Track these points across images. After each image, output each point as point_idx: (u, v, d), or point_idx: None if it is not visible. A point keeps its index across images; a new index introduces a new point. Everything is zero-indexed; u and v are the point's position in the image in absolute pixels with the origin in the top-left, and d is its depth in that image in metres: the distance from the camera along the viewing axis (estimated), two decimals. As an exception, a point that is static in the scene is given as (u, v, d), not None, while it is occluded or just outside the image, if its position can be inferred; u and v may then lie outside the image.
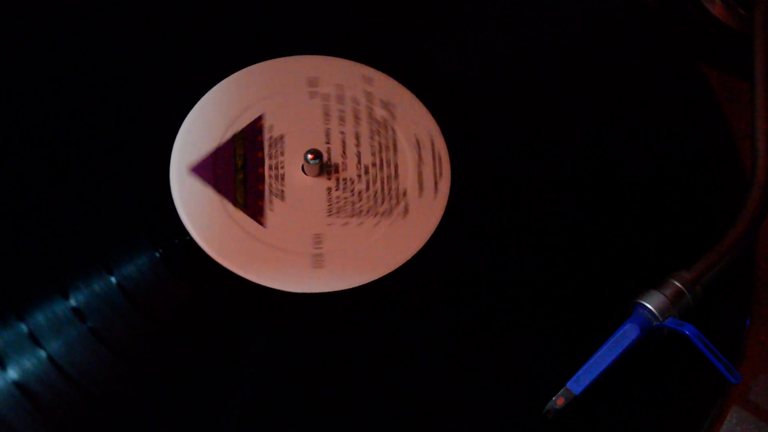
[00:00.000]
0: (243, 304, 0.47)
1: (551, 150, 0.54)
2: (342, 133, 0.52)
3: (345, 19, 0.57)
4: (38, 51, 0.53)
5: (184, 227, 0.49)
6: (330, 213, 0.50)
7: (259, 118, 0.52)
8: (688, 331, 0.45)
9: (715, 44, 0.60)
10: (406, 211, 0.50)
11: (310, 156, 0.50)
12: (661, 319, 0.46)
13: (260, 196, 0.50)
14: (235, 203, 0.50)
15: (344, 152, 0.52)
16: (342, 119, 0.52)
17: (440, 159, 0.52)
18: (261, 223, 0.50)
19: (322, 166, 0.51)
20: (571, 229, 0.51)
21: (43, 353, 0.44)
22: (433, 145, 0.52)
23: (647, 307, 0.46)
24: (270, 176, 0.51)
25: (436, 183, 0.51)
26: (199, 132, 0.52)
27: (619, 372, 0.46)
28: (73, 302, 0.46)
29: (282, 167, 0.51)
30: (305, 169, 0.51)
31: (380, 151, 0.52)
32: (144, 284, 0.47)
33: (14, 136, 0.50)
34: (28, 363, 0.44)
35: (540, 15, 0.59)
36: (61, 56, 0.53)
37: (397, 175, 0.51)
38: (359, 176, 0.51)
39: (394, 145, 0.52)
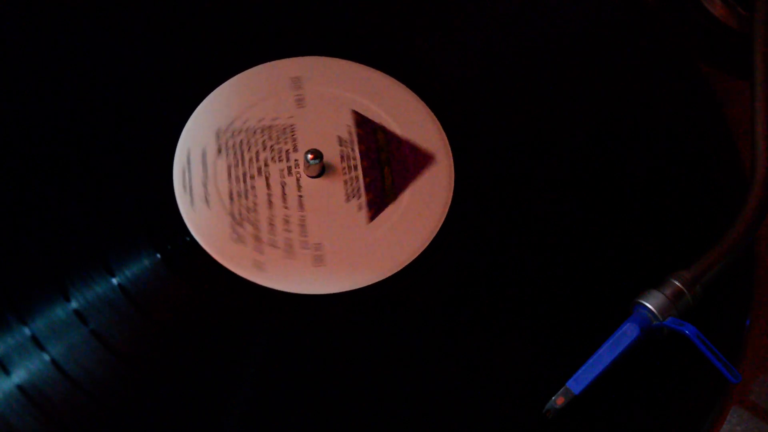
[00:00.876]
0: (243, 305, 0.48)
1: (551, 150, 0.54)
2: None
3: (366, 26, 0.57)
4: (39, 51, 0.53)
5: (185, 224, 0.49)
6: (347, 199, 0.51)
7: (292, 128, 0.53)
8: (688, 330, 0.45)
9: (715, 44, 0.60)
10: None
11: (310, 156, 0.50)
12: (661, 318, 0.46)
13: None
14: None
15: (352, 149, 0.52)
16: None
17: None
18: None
19: (324, 166, 0.51)
20: (571, 229, 0.51)
21: (45, 356, 0.44)
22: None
23: (647, 306, 0.46)
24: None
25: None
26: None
27: (619, 372, 0.46)
28: (74, 304, 0.46)
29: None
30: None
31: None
32: (145, 286, 0.47)
33: (14, 136, 0.50)
34: (30, 366, 0.44)
35: (540, 15, 0.59)
36: (61, 56, 0.53)
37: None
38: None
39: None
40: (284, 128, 0.53)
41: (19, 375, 0.44)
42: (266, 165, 0.51)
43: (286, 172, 0.51)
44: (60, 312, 0.45)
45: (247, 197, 0.50)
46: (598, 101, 0.56)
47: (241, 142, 0.52)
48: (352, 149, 0.52)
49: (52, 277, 0.46)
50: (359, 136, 0.53)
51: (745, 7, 0.58)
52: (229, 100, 0.53)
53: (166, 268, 0.47)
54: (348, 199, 0.51)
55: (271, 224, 0.50)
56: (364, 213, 0.51)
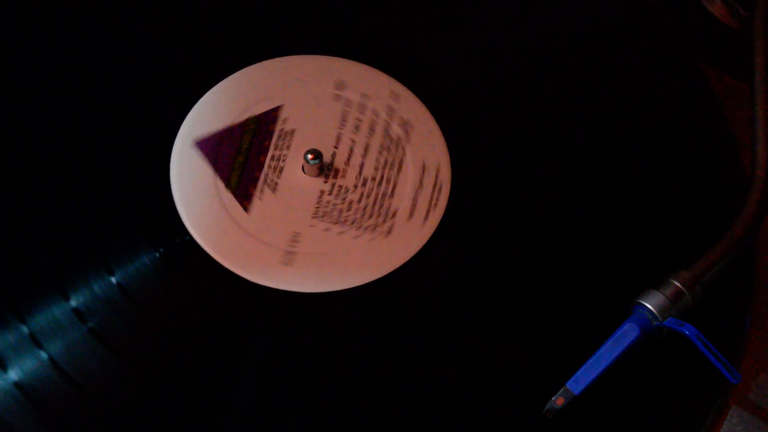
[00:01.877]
0: (243, 304, 0.47)
1: (551, 150, 0.54)
2: (352, 141, 0.52)
3: (384, 30, 0.56)
4: (38, 51, 0.53)
5: (173, 200, 0.49)
6: (315, 215, 0.50)
7: (277, 109, 0.53)
8: (687, 331, 0.45)
9: (715, 44, 0.60)
10: (389, 231, 0.50)
11: (309, 156, 0.50)
12: (660, 318, 0.46)
13: (254, 182, 0.51)
14: (227, 184, 0.50)
15: (348, 160, 0.52)
16: (357, 128, 0.52)
17: (440, 189, 0.51)
18: (245, 209, 0.50)
19: (322, 167, 0.51)
20: (571, 229, 0.51)
21: (43, 354, 0.44)
22: (437, 173, 0.52)
23: (647, 306, 0.46)
24: (269, 166, 0.51)
25: (428, 211, 0.50)
26: (216, 108, 0.52)
27: (619, 372, 0.46)
28: (73, 303, 0.46)
29: (283, 161, 0.51)
30: (305, 168, 0.51)
31: (384, 167, 0.52)
32: (144, 284, 0.47)
33: (14, 136, 0.50)
34: (29, 364, 0.44)
35: (540, 15, 0.59)
36: (60, 56, 0.53)
37: (392, 195, 0.51)
38: (355, 186, 0.51)
39: (400, 165, 0.52)
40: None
41: (17, 373, 0.44)
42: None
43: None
44: (59, 310, 0.45)
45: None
46: (598, 101, 0.56)
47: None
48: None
49: (51, 276, 0.46)
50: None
51: (745, 7, 0.58)
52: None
53: (165, 267, 0.47)
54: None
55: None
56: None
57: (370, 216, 0.50)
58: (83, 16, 0.55)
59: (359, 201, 0.50)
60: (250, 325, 0.47)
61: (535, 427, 0.45)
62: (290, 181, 0.51)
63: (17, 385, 0.44)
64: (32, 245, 0.47)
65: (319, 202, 0.51)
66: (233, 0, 0.57)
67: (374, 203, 0.50)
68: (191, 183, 0.50)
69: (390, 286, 0.49)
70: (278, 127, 0.52)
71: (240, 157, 0.51)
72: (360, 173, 0.52)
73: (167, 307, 0.47)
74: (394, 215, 0.50)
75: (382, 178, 0.51)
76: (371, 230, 0.50)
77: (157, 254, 0.48)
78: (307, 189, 0.51)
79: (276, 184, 0.51)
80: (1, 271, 0.46)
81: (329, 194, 0.51)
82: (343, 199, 0.51)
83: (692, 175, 0.54)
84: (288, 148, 0.52)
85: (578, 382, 0.45)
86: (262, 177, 0.51)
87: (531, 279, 0.50)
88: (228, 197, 0.50)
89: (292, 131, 0.52)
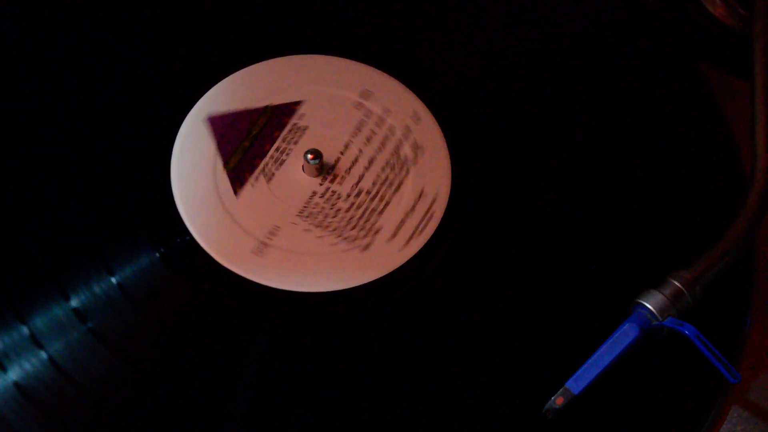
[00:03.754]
0: (243, 304, 0.48)
1: (551, 150, 0.54)
2: (360, 151, 0.52)
3: (421, 47, 0.56)
4: (38, 51, 0.53)
5: (184, 223, 0.49)
6: (300, 214, 0.50)
7: (297, 103, 0.53)
8: (687, 330, 0.45)
9: (715, 44, 0.60)
10: (367, 247, 0.50)
11: (309, 156, 0.50)
12: (660, 318, 0.46)
13: (251, 169, 0.51)
14: (225, 165, 0.51)
15: (350, 169, 0.52)
16: (368, 140, 0.52)
17: (430, 218, 0.51)
18: (236, 192, 0.50)
19: (321, 168, 0.51)
20: (571, 229, 0.51)
21: (44, 354, 0.44)
22: (433, 203, 0.51)
23: (647, 306, 0.46)
24: (272, 157, 0.51)
25: (410, 237, 0.50)
26: (238, 91, 0.53)
27: (619, 372, 0.46)
28: (73, 303, 0.46)
29: (287, 154, 0.51)
30: (304, 167, 0.51)
31: (382, 184, 0.52)
32: (144, 284, 0.47)
33: (14, 136, 0.50)
34: (29, 364, 0.44)
35: (540, 15, 0.59)
36: (60, 55, 0.53)
37: (382, 212, 0.51)
38: (348, 195, 0.51)
39: (399, 186, 0.52)
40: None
41: (17, 373, 0.44)
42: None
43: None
44: (59, 310, 0.45)
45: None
46: (598, 101, 0.56)
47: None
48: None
49: (52, 276, 0.46)
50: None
51: (745, 7, 0.58)
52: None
53: (165, 267, 0.47)
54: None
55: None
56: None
57: (353, 228, 0.50)
58: (82, 17, 0.55)
59: (347, 210, 0.50)
60: (250, 325, 0.47)
61: (535, 427, 0.45)
62: (287, 176, 0.51)
63: (17, 385, 0.44)
64: (32, 245, 0.47)
65: (308, 202, 0.51)
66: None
67: (361, 216, 0.50)
68: (192, 157, 0.51)
69: (388, 285, 0.49)
70: (293, 121, 0.52)
71: (246, 141, 0.51)
72: (357, 184, 0.52)
73: (167, 307, 0.47)
74: (376, 233, 0.50)
75: (377, 193, 0.51)
76: (350, 242, 0.50)
77: (157, 254, 0.48)
78: (301, 187, 0.51)
79: (272, 175, 0.51)
80: (2, 271, 0.46)
81: (320, 197, 0.51)
82: (333, 204, 0.51)
83: (692, 175, 0.54)
84: (295, 143, 0.52)
85: (578, 382, 0.45)
86: (261, 165, 0.51)
87: (531, 279, 0.50)
88: (222, 178, 0.50)
89: (305, 128, 0.52)
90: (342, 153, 0.52)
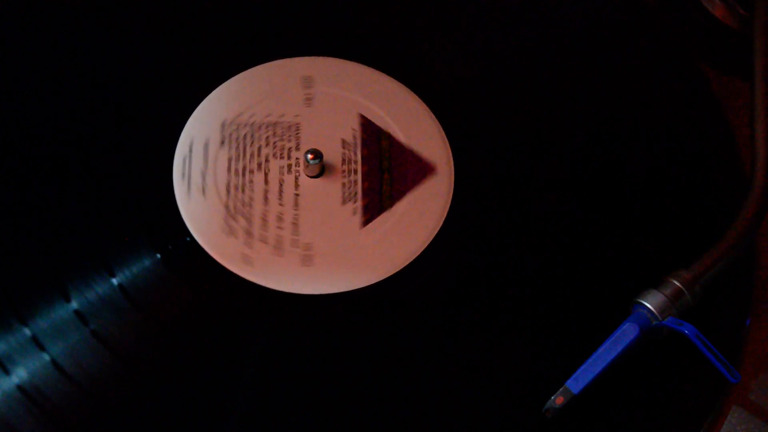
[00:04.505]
0: (244, 305, 0.48)
1: (551, 150, 0.54)
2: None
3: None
4: (39, 51, 0.53)
5: (184, 223, 0.49)
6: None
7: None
8: (687, 330, 0.45)
9: (715, 44, 0.60)
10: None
11: (310, 156, 0.51)
12: (660, 318, 0.46)
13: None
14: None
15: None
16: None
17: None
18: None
19: (322, 168, 0.51)
20: (571, 228, 0.51)
21: (46, 356, 0.44)
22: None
23: (647, 306, 0.46)
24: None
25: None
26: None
27: (619, 372, 0.46)
28: (75, 305, 0.46)
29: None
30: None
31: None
32: (145, 285, 0.47)
33: (15, 136, 0.50)
34: (31, 366, 0.44)
35: (540, 15, 0.59)
36: (61, 55, 0.53)
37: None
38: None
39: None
40: (289, 126, 0.53)
41: (19, 375, 0.44)
42: (267, 161, 0.52)
43: (285, 169, 0.51)
44: (60, 312, 0.45)
45: (243, 191, 0.51)
46: (598, 101, 0.56)
47: (245, 135, 0.52)
48: (355, 152, 0.52)
49: (53, 277, 0.46)
50: (363, 140, 0.53)
51: (745, 7, 0.58)
52: (238, 94, 0.53)
53: (166, 268, 0.47)
54: (344, 202, 0.51)
55: (264, 220, 0.50)
56: (358, 217, 0.51)
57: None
58: (83, 17, 0.55)
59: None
60: (250, 326, 0.47)
61: (535, 427, 0.45)
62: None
63: (20, 387, 0.44)
64: (34, 247, 0.47)
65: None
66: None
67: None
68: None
69: (380, 291, 0.49)
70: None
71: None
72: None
73: (168, 308, 0.47)
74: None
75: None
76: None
77: (158, 255, 0.48)
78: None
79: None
80: (3, 273, 0.46)
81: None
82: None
83: (692, 175, 0.54)
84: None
85: (578, 382, 0.45)
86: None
87: (531, 278, 0.50)
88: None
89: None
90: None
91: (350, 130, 0.53)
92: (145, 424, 0.44)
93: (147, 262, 0.47)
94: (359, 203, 0.51)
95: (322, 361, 0.46)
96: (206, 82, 0.54)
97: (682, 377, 0.48)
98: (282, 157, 0.52)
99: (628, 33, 0.59)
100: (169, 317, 0.46)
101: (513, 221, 0.51)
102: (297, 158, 0.52)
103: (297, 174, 0.51)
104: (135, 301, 0.46)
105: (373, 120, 0.53)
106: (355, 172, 0.52)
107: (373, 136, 0.53)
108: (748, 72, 0.53)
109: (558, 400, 0.45)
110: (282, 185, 0.51)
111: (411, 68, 0.55)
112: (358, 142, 0.53)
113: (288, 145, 0.52)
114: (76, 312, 0.46)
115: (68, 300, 0.46)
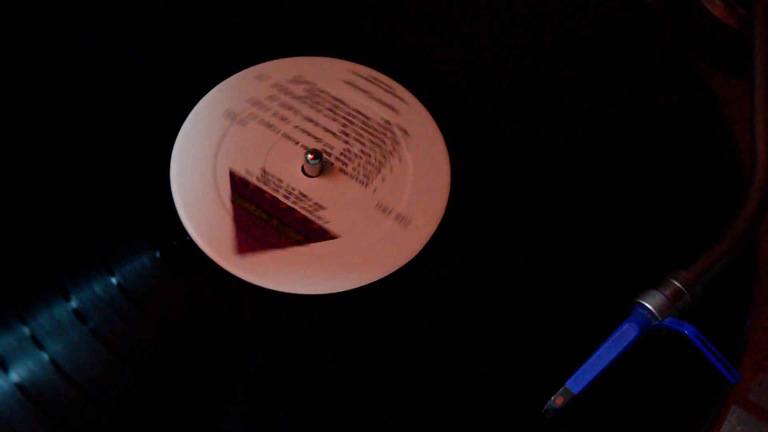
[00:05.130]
0: (243, 304, 0.48)
1: (552, 150, 0.54)
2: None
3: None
4: (39, 51, 0.53)
5: (184, 224, 0.49)
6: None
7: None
8: (687, 330, 0.45)
9: (715, 44, 0.60)
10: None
11: (310, 156, 0.51)
12: (660, 318, 0.46)
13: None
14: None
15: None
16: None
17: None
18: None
19: (322, 168, 0.51)
20: (571, 228, 0.51)
21: (44, 355, 0.44)
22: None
23: (646, 306, 0.46)
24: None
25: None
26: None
27: (619, 372, 0.46)
28: (74, 304, 0.46)
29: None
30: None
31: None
32: (144, 285, 0.47)
33: (14, 135, 0.50)
34: (30, 365, 0.44)
35: (540, 15, 0.59)
36: (61, 55, 0.53)
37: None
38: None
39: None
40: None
41: (18, 374, 0.44)
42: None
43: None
44: (59, 311, 0.45)
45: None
46: (598, 101, 0.56)
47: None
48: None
49: (52, 277, 0.46)
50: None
51: (745, 7, 0.58)
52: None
53: (166, 267, 0.47)
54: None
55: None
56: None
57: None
58: (86, 9, 0.55)
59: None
60: (250, 326, 0.47)
61: (535, 427, 0.45)
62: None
63: (18, 386, 0.44)
64: (33, 246, 0.47)
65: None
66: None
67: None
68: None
69: (387, 287, 0.49)
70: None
71: None
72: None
73: (167, 307, 0.47)
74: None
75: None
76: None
77: (157, 254, 0.48)
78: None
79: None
80: (2, 271, 0.46)
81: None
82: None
83: (692, 175, 0.54)
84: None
85: (577, 382, 0.45)
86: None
87: (531, 278, 0.50)
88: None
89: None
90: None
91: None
92: (144, 424, 0.44)
93: (146, 261, 0.47)
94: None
95: (322, 360, 0.46)
96: (206, 80, 0.54)
97: (682, 377, 0.48)
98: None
99: (628, 33, 0.59)
100: (167, 316, 0.46)
101: (512, 221, 0.51)
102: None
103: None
104: (134, 300, 0.46)
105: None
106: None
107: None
108: (748, 72, 0.53)
109: (558, 400, 0.45)
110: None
111: (411, 68, 0.55)
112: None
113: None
114: (75, 311, 0.46)
115: (67, 299, 0.46)
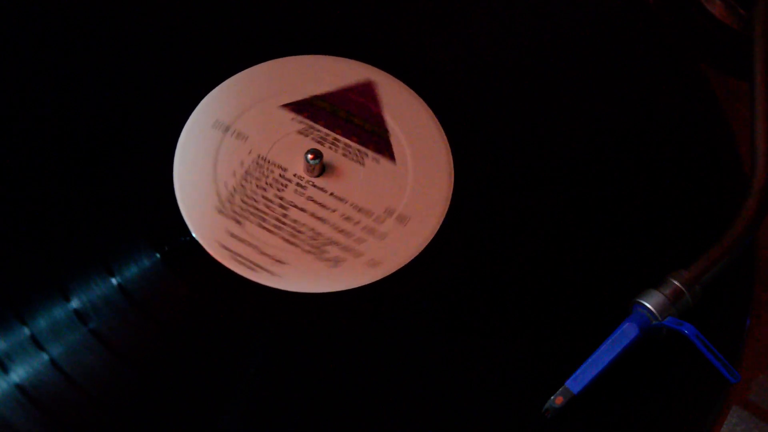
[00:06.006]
0: (244, 304, 0.48)
1: (552, 150, 0.54)
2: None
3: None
4: (39, 50, 0.53)
5: (185, 223, 0.49)
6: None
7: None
8: (687, 330, 0.45)
9: (715, 44, 0.60)
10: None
11: (310, 156, 0.51)
12: (660, 318, 0.46)
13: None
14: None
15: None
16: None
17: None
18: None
19: (323, 168, 0.51)
20: (572, 228, 0.51)
21: (45, 355, 0.44)
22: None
23: (646, 306, 0.46)
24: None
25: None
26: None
27: (618, 372, 0.46)
28: (74, 304, 0.46)
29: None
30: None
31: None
32: (145, 285, 0.47)
33: (14, 135, 0.50)
34: (30, 366, 0.44)
35: (540, 15, 0.59)
36: (62, 55, 0.53)
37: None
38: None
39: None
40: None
41: (18, 374, 0.44)
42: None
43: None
44: (59, 312, 0.45)
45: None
46: (598, 101, 0.56)
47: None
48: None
49: (52, 277, 0.46)
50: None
51: (745, 7, 0.58)
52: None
53: (166, 268, 0.47)
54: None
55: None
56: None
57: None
58: (87, 10, 0.55)
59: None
60: (251, 326, 0.47)
61: (535, 427, 0.45)
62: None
63: (19, 386, 0.44)
64: (33, 246, 0.47)
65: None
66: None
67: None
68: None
69: (390, 287, 0.49)
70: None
71: None
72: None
73: (168, 307, 0.47)
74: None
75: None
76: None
77: (158, 255, 0.48)
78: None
79: None
80: (2, 272, 0.46)
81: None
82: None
83: (692, 175, 0.54)
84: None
85: (577, 382, 0.45)
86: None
87: (531, 278, 0.50)
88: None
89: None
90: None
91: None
92: (145, 424, 0.44)
93: (146, 262, 0.47)
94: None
95: (322, 360, 0.46)
96: (207, 80, 0.54)
97: (682, 377, 0.48)
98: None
99: (629, 33, 0.59)
100: (168, 317, 0.46)
101: (513, 221, 0.51)
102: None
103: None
104: (134, 300, 0.46)
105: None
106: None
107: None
108: (748, 72, 0.53)
109: (558, 400, 0.45)
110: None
111: (412, 67, 0.55)
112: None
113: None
114: (76, 311, 0.46)
115: (67, 299, 0.46)
